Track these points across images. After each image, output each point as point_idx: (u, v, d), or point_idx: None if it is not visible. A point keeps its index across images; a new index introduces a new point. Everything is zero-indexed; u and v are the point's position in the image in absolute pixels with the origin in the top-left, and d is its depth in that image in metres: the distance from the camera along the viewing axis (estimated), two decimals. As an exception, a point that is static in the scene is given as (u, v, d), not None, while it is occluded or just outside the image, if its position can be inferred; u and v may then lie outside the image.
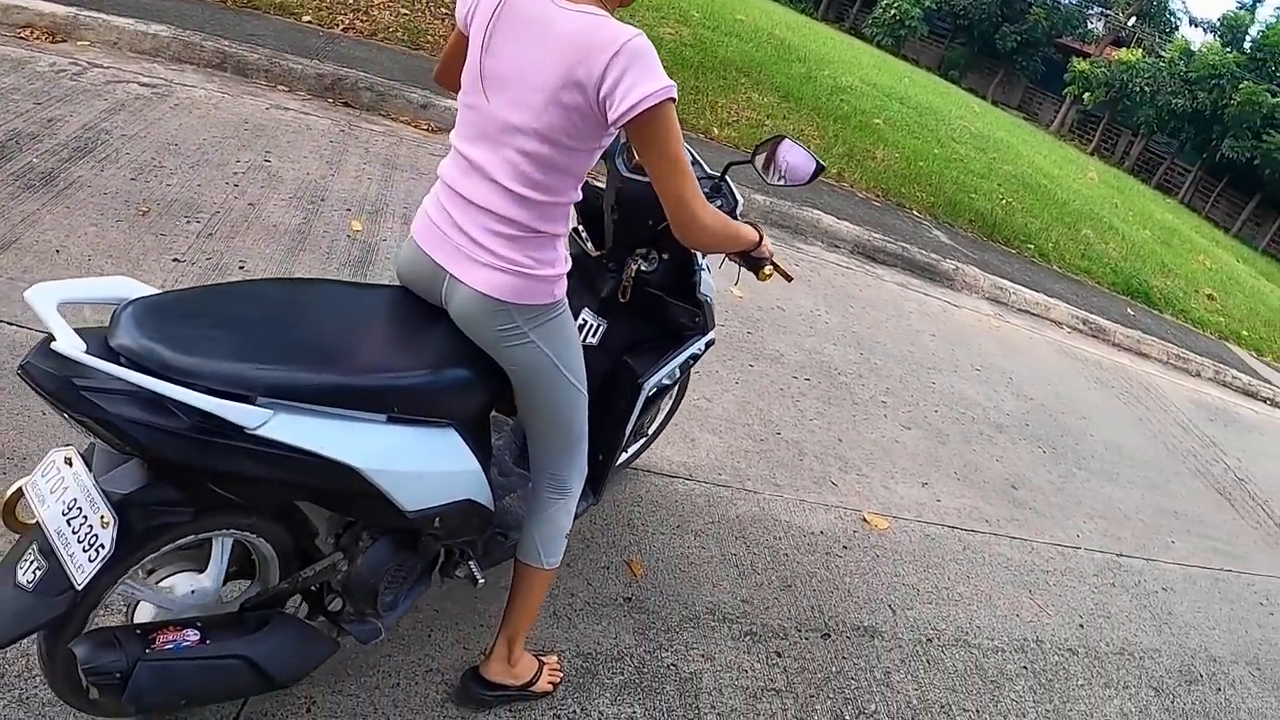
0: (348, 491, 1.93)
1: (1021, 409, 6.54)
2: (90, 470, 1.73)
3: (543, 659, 2.71)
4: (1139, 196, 26.67)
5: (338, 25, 7.62)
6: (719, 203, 2.71)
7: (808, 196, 8.45)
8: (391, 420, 1.95)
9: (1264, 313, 16.10)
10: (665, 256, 2.67)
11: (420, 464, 2.03)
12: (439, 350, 2.10)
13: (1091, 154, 38.12)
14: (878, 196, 10.15)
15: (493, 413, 2.59)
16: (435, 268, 2.10)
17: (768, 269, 2.55)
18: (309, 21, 7.46)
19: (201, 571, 2.04)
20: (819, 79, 14.64)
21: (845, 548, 4.02)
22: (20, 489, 1.79)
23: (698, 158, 2.86)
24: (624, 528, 3.52)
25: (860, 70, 19.65)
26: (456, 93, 2.11)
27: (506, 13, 1.88)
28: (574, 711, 2.69)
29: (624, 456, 3.55)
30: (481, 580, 2.49)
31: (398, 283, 2.30)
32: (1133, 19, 43.41)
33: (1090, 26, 44.22)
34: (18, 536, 1.85)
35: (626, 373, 2.74)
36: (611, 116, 1.80)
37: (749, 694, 3.04)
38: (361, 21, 7.87)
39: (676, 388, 3.60)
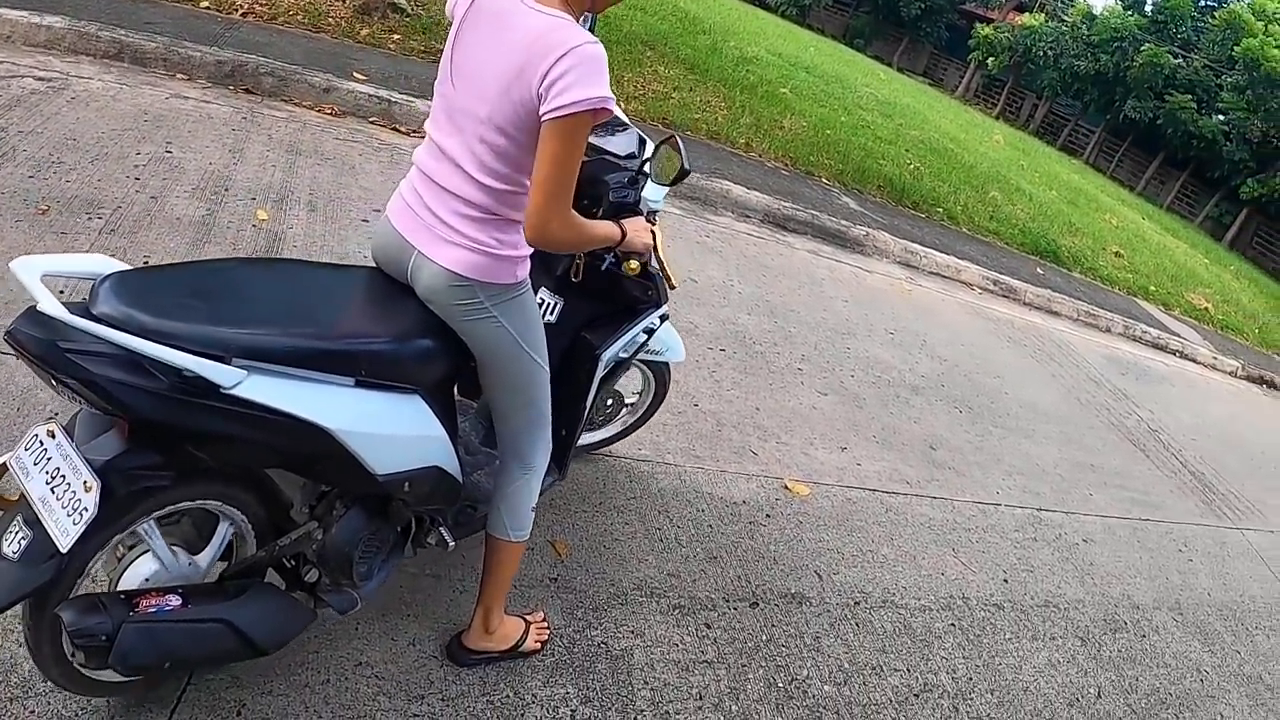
0: (320, 454, 2.04)
1: (936, 370, 6.67)
2: (72, 441, 1.83)
3: (528, 617, 2.88)
4: (1045, 158, 27.31)
5: (237, 10, 7.42)
6: (627, 194, 2.75)
7: (716, 167, 8.49)
8: (359, 384, 2.07)
9: (1170, 268, 16.65)
10: None
11: (388, 427, 2.14)
12: (404, 321, 2.22)
13: (997, 118, 38.88)
14: (786, 165, 10.24)
15: (458, 397, 2.79)
16: (405, 245, 2.22)
17: (633, 263, 2.61)
18: (207, 7, 7.25)
19: (195, 553, 2.19)
20: (725, 50, 14.70)
21: (768, 516, 4.06)
22: (3, 464, 1.89)
23: (645, 138, 2.95)
24: (546, 508, 3.50)
25: (766, 40, 19.79)
26: None
27: (478, 8, 2.01)
28: (507, 696, 2.70)
29: (591, 438, 3.78)
30: (452, 544, 2.59)
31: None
32: (1033, -18, 44.26)
33: (992, -8, 44.98)
34: (1, 513, 1.94)
35: (584, 346, 2.87)
36: (543, 109, 1.89)
37: (681, 667, 3.07)
38: (261, 5, 7.68)
39: (653, 394, 3.77)
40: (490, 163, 2.05)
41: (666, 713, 2.89)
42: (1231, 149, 34.73)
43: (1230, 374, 11.68)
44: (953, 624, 3.92)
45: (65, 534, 1.75)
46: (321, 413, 1.96)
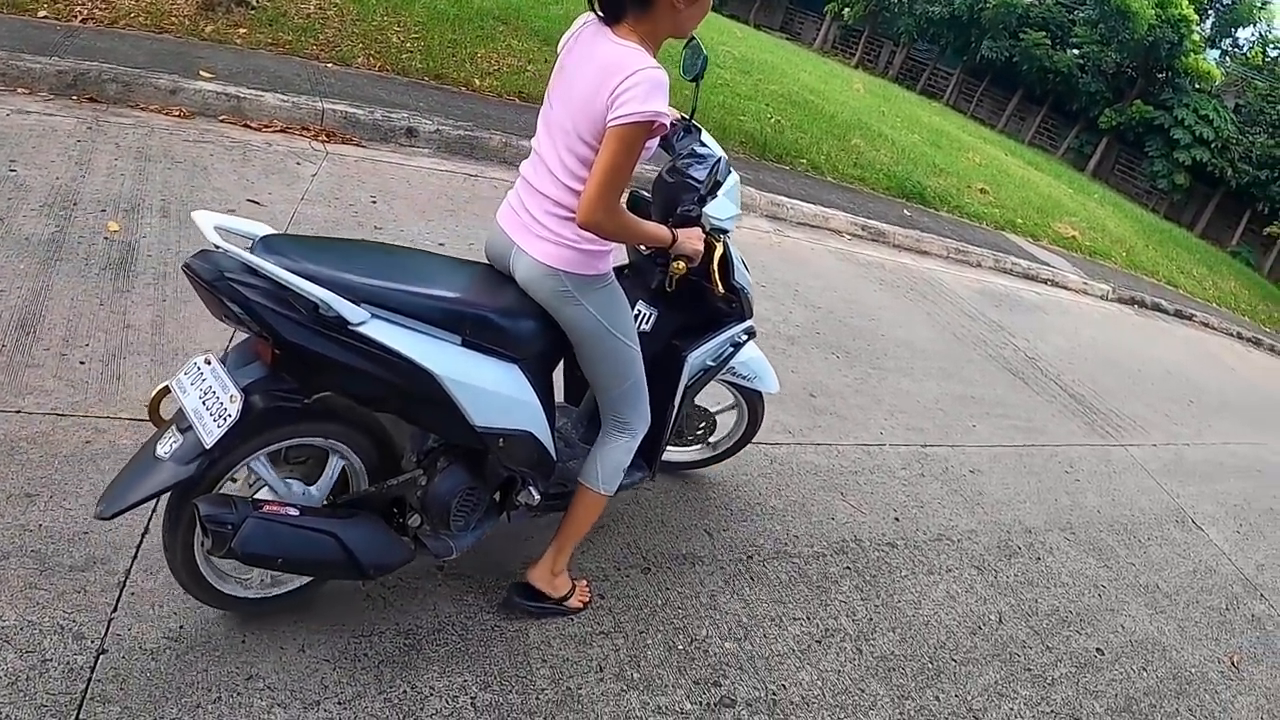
0: (426, 398, 2.45)
1: (810, 319, 6.74)
2: (224, 366, 2.31)
3: (575, 580, 3.22)
4: (906, 103, 27.87)
5: (76, 17, 7.20)
6: (691, 209, 2.99)
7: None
8: (465, 344, 2.52)
9: (1035, 200, 17.22)
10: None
11: (487, 384, 2.54)
12: (506, 299, 2.65)
13: (856, 67, 39.56)
14: (646, 129, 10.17)
15: (563, 403, 3.42)
16: (508, 242, 2.69)
17: (679, 264, 2.86)
18: (45, 16, 7.01)
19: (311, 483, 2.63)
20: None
21: (652, 479, 4.02)
22: (166, 386, 2.35)
23: (728, 165, 3.21)
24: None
25: (617, 7, 19.71)
26: None
27: (575, 43, 2.53)
28: (404, 691, 2.69)
29: (683, 456, 4.13)
30: (538, 499, 2.92)
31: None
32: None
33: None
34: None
35: (672, 350, 3.24)
36: (607, 118, 2.32)
37: (578, 641, 3.09)
38: (101, 10, 7.46)
39: (746, 423, 4.02)
40: (575, 169, 2.48)
41: (568, 688, 2.89)
42: (1087, 81, 36.10)
43: (1101, 298, 12.13)
44: (848, 567, 3.98)
45: (210, 434, 2.19)
46: (429, 358, 2.39)
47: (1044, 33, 36.38)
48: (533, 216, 2.60)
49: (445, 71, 8.99)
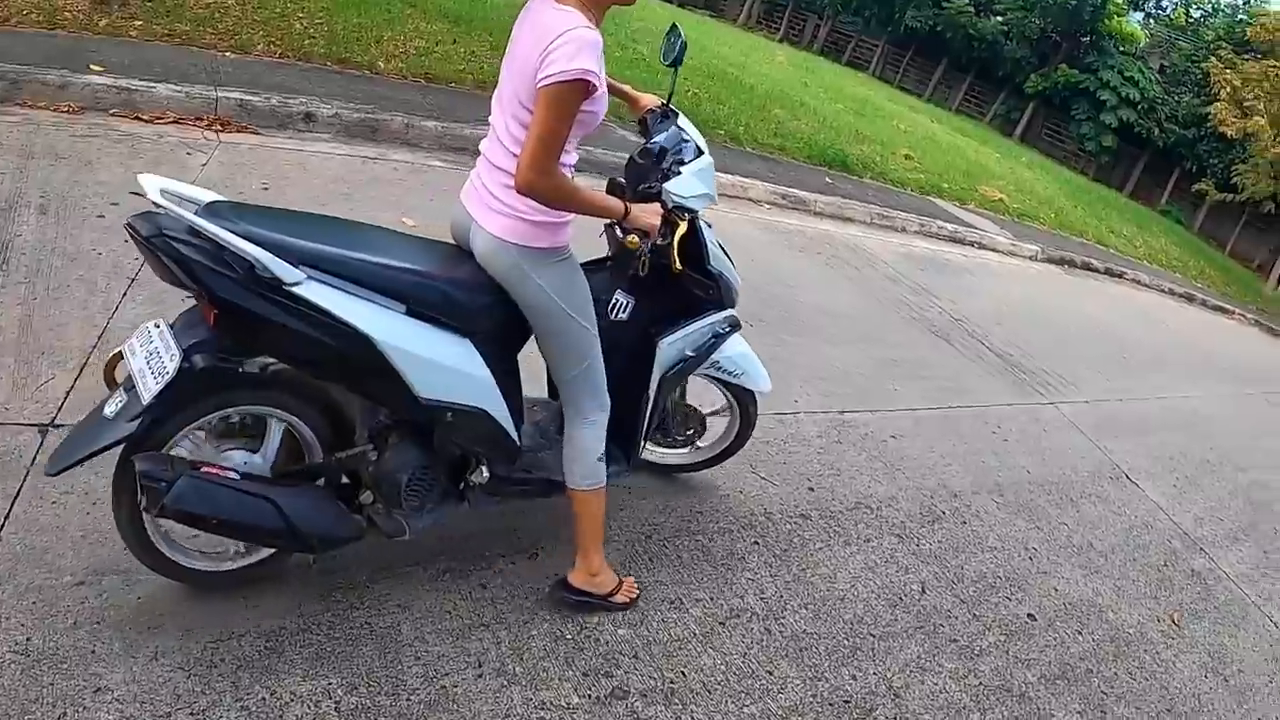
0: (366, 365, 2.47)
1: (724, 287, 6.49)
2: (172, 331, 2.41)
3: (622, 577, 3.25)
4: (830, 74, 27.99)
5: None
6: (652, 186, 3.01)
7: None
8: (410, 314, 2.53)
9: (962, 165, 17.30)
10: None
11: (431, 354, 2.55)
12: (457, 272, 2.67)
13: (780, 41, 39.63)
14: (557, 106, 9.97)
15: (546, 398, 3.44)
16: (467, 217, 2.74)
17: (632, 238, 2.80)
18: None
19: (255, 451, 2.68)
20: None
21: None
22: (119, 351, 2.44)
23: (700, 148, 3.28)
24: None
25: (530, -15, 19.50)
26: None
27: (526, 12, 2.57)
28: (263, 698, 2.53)
29: (671, 458, 4.03)
30: (488, 475, 2.92)
31: None
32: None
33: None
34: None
35: (647, 338, 3.21)
36: (538, 79, 2.35)
37: (455, 635, 2.92)
38: None
39: (738, 424, 3.93)
40: (520, 135, 2.49)
41: (443, 687, 2.72)
42: (1012, 48, 36.50)
43: (1030, 258, 12.14)
44: (756, 542, 3.81)
45: (149, 391, 2.27)
46: (368, 323, 2.41)
47: (966, 1, 36.66)
48: (489, 191, 2.64)
49: (349, 55, 8.72)
